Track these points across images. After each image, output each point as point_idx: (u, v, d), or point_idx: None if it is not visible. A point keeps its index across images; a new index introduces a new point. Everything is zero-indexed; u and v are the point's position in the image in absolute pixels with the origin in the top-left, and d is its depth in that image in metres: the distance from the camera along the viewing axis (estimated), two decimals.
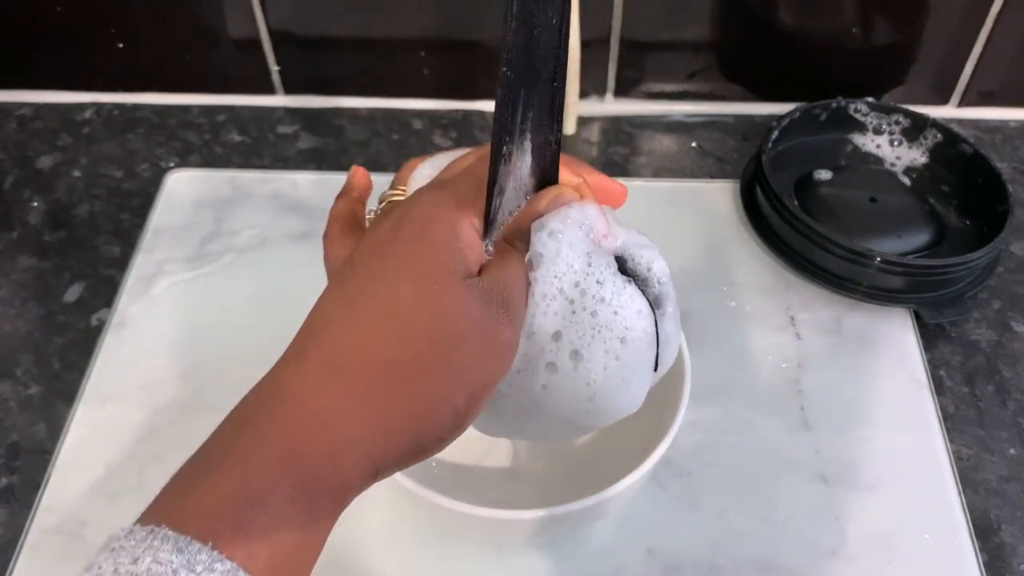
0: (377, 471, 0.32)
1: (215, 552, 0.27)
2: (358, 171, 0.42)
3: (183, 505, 0.29)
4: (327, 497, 0.31)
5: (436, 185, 0.36)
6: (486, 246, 0.35)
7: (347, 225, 0.39)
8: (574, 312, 0.34)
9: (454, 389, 0.32)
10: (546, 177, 0.36)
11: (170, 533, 0.27)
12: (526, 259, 0.35)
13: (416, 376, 0.31)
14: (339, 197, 0.41)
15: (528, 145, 0.35)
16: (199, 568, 0.26)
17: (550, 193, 0.36)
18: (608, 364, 0.34)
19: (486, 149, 0.35)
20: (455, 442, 0.49)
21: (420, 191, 0.36)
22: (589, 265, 0.34)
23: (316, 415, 0.31)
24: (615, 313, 0.34)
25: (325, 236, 0.39)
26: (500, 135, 0.33)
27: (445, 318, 0.32)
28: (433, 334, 0.32)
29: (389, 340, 0.31)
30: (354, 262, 0.34)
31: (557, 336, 0.34)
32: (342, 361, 0.31)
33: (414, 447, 0.32)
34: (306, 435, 0.30)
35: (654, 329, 0.35)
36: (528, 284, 0.34)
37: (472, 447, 0.49)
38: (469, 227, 0.34)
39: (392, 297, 0.32)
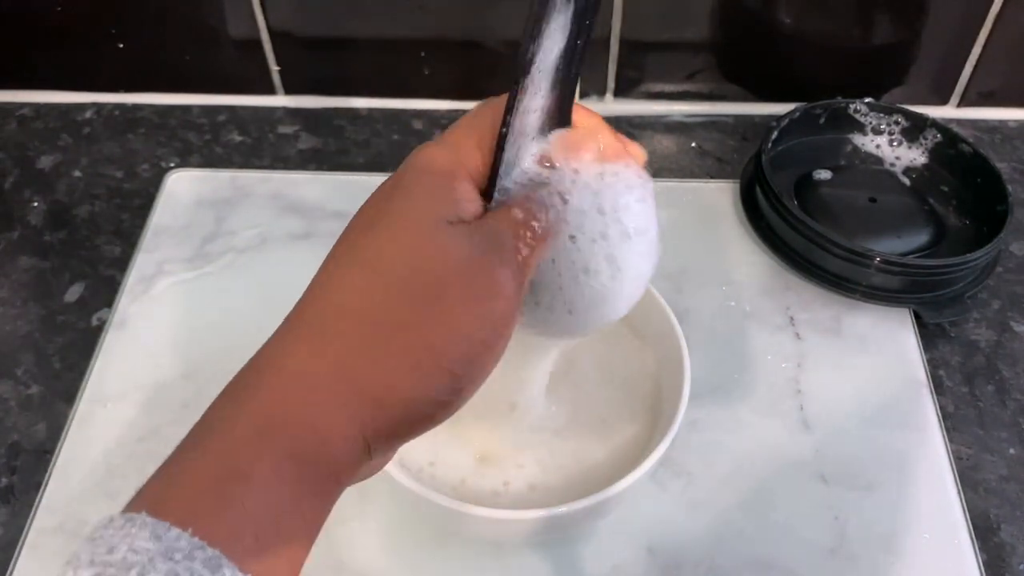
0: (368, 443, 0.29)
1: (195, 539, 0.25)
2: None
3: (164, 489, 0.27)
4: (317, 471, 0.28)
5: (439, 139, 0.34)
6: (491, 203, 0.33)
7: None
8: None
9: (444, 344, 0.29)
10: (560, 115, 0.34)
11: (148, 519, 0.25)
12: (540, 208, 0.33)
13: (396, 331, 0.29)
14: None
15: (544, 86, 0.33)
16: (178, 556, 0.25)
17: (565, 140, 0.35)
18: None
19: (495, 100, 0.33)
20: (454, 441, 0.50)
21: (423, 145, 0.33)
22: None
23: (294, 380, 0.29)
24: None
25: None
26: (515, 88, 0.31)
27: (423, 264, 0.29)
28: (410, 283, 0.29)
29: (367, 295, 0.29)
30: (351, 226, 0.32)
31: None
32: (320, 322, 0.30)
33: (408, 414, 0.30)
34: (285, 402, 0.28)
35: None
36: (534, 227, 0.33)
37: (471, 446, 0.49)
38: (466, 179, 0.32)
39: (373, 250, 0.30)
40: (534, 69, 0.31)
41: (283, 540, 0.28)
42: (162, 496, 0.27)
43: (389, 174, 0.32)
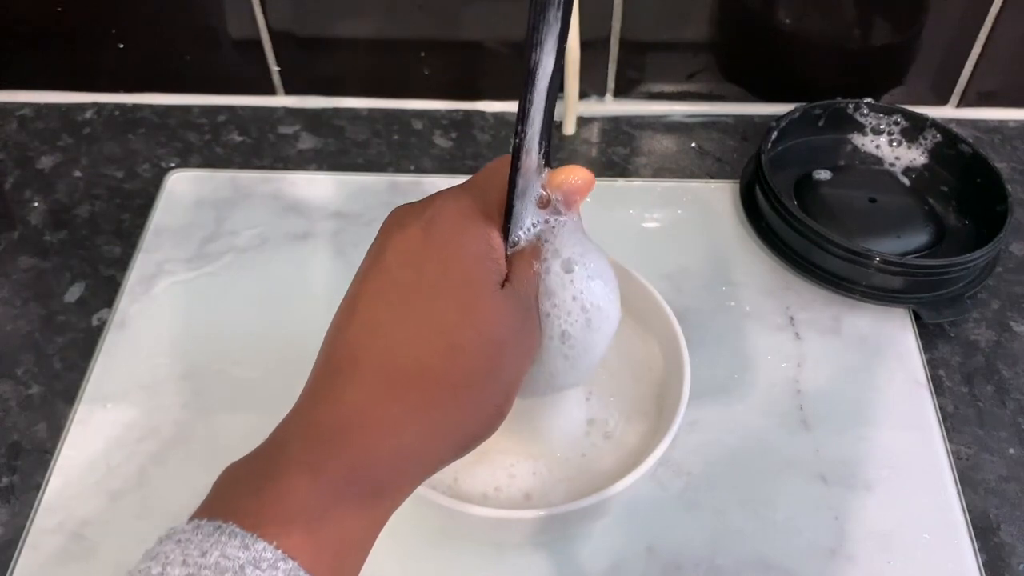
0: (432, 471, 0.34)
1: (279, 551, 0.28)
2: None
3: (250, 505, 0.30)
4: (388, 500, 0.33)
5: (462, 189, 0.37)
6: (507, 249, 0.37)
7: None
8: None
9: (497, 391, 0.35)
10: (542, 166, 0.38)
11: (237, 530, 0.28)
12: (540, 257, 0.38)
13: (466, 387, 0.34)
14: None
15: (536, 142, 0.36)
16: (264, 565, 0.28)
17: (561, 175, 0.38)
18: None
19: (495, 160, 0.37)
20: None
21: (445, 194, 0.37)
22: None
23: (380, 428, 0.32)
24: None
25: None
26: (520, 140, 0.35)
27: (488, 332, 0.34)
28: (479, 347, 0.34)
29: (440, 355, 0.33)
30: (388, 266, 0.35)
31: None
32: (399, 376, 0.33)
33: (464, 446, 0.35)
34: (372, 447, 0.32)
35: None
36: (538, 279, 0.37)
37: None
38: (498, 236, 0.36)
39: (438, 312, 0.34)
40: (538, 79, 0.34)
41: (353, 558, 0.32)
42: (247, 511, 0.30)
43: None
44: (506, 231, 0.37)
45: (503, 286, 0.36)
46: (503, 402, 0.35)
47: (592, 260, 0.39)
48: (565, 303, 0.38)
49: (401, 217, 0.37)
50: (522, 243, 0.38)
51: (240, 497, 0.31)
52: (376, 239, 0.37)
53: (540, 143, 0.37)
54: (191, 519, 0.30)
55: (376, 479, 0.32)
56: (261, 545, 0.28)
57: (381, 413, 0.32)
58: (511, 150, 0.35)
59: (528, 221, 0.38)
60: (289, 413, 0.34)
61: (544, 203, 0.38)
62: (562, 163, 0.39)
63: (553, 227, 0.38)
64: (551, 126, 0.38)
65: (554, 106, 0.37)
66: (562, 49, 0.34)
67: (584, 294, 0.38)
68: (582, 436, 0.49)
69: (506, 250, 0.37)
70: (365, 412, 0.32)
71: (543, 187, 0.38)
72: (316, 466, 0.31)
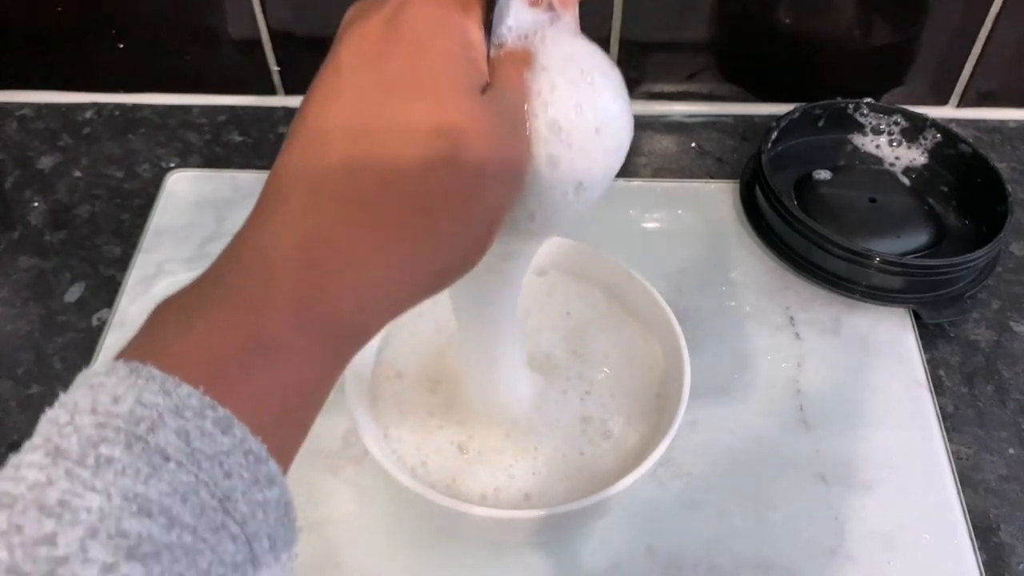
0: (401, 309, 0.30)
1: (206, 398, 0.24)
2: None
3: (178, 345, 0.25)
4: (349, 341, 0.28)
5: None
6: (489, 50, 0.31)
7: None
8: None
9: (478, 218, 0.30)
10: None
11: (156, 372, 0.24)
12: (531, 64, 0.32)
13: (440, 210, 0.29)
14: None
15: None
16: (188, 414, 0.24)
17: None
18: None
19: None
20: (452, 441, 0.50)
21: None
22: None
23: (335, 256, 0.27)
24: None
25: None
26: None
27: (466, 145, 0.29)
28: (453, 163, 0.28)
29: (407, 171, 0.28)
30: (342, 64, 0.30)
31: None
32: (357, 195, 0.28)
33: (438, 281, 0.30)
34: (326, 279, 0.27)
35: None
36: (528, 85, 0.32)
37: (470, 447, 0.49)
38: (477, 31, 0.31)
39: (403, 119, 0.28)
40: None
41: (302, 407, 0.27)
42: (172, 352, 0.25)
43: None
44: (488, 26, 0.31)
45: (484, 92, 0.30)
46: (485, 232, 0.30)
47: (594, 62, 0.33)
48: (564, 113, 0.32)
49: (362, 8, 0.31)
50: (508, 44, 0.32)
51: (166, 336, 0.26)
52: (335, 39, 0.32)
53: None
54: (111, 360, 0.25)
55: (332, 316, 0.27)
56: (185, 390, 0.24)
57: (336, 239, 0.27)
58: None
59: (513, 19, 0.32)
60: (229, 242, 0.29)
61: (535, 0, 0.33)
62: None
63: (544, 26, 0.33)
64: None
65: None
66: None
67: (587, 100, 0.32)
68: (578, 434, 0.49)
69: (488, 50, 0.31)
70: (317, 237, 0.27)
71: None
72: (257, 300, 0.26)
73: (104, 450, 0.23)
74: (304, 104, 0.30)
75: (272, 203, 0.29)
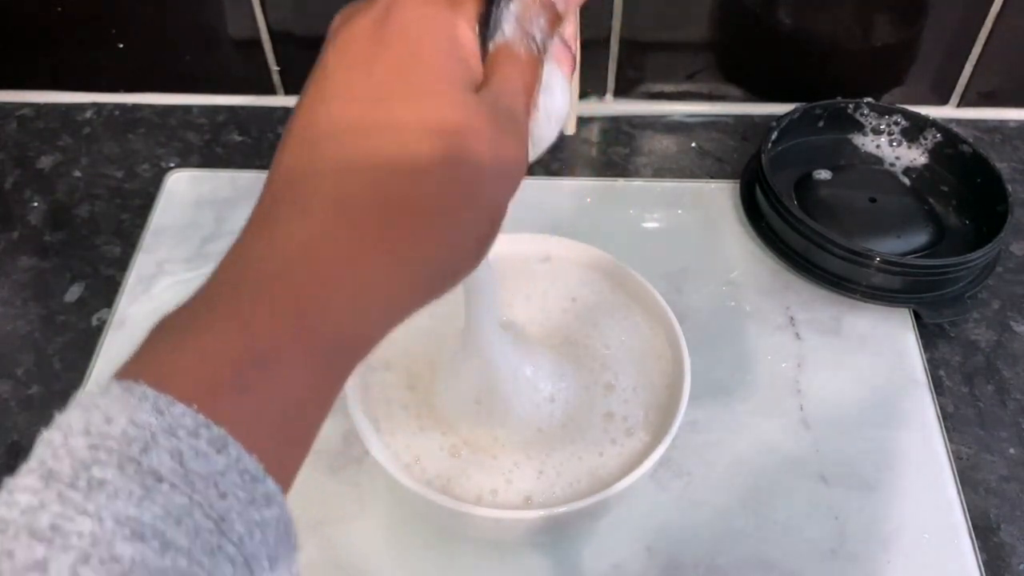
0: (403, 315, 0.29)
1: (200, 416, 0.23)
2: None
3: (170, 362, 0.25)
4: (349, 352, 0.28)
5: None
6: (487, 46, 0.31)
7: None
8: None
9: (477, 218, 0.29)
10: None
11: (149, 391, 0.23)
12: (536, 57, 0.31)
13: (438, 214, 0.28)
14: None
15: None
16: (182, 433, 0.23)
17: None
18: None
19: None
20: (451, 445, 0.50)
21: None
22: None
23: (331, 264, 0.27)
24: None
25: None
26: None
27: (460, 146, 0.28)
28: (449, 166, 0.28)
29: (403, 175, 0.28)
30: (331, 69, 0.29)
31: None
32: (352, 202, 0.27)
33: (441, 283, 0.30)
34: (323, 289, 0.27)
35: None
36: (533, 87, 0.32)
37: (470, 446, 0.49)
38: (467, 29, 0.30)
39: (394, 122, 0.28)
40: None
41: (301, 424, 0.26)
42: (165, 370, 0.25)
43: None
44: (483, 23, 0.31)
45: (479, 90, 0.30)
46: (487, 231, 0.30)
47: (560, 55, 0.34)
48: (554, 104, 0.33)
49: (349, 13, 0.31)
50: (505, 39, 0.31)
51: (158, 354, 0.25)
52: (324, 44, 0.31)
53: None
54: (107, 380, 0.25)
55: (330, 328, 0.26)
56: (179, 409, 0.23)
57: (332, 247, 0.27)
58: None
59: (512, 21, 0.31)
60: (225, 255, 0.28)
61: None
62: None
63: (542, 26, 0.32)
64: None
65: None
66: None
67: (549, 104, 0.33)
68: (597, 428, 0.49)
69: (484, 47, 0.31)
70: (311, 246, 0.27)
71: None
72: (250, 313, 0.26)
73: (96, 472, 0.22)
74: (295, 110, 0.30)
75: (265, 212, 0.28)
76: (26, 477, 0.23)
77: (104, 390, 0.24)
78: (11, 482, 0.23)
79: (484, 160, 0.28)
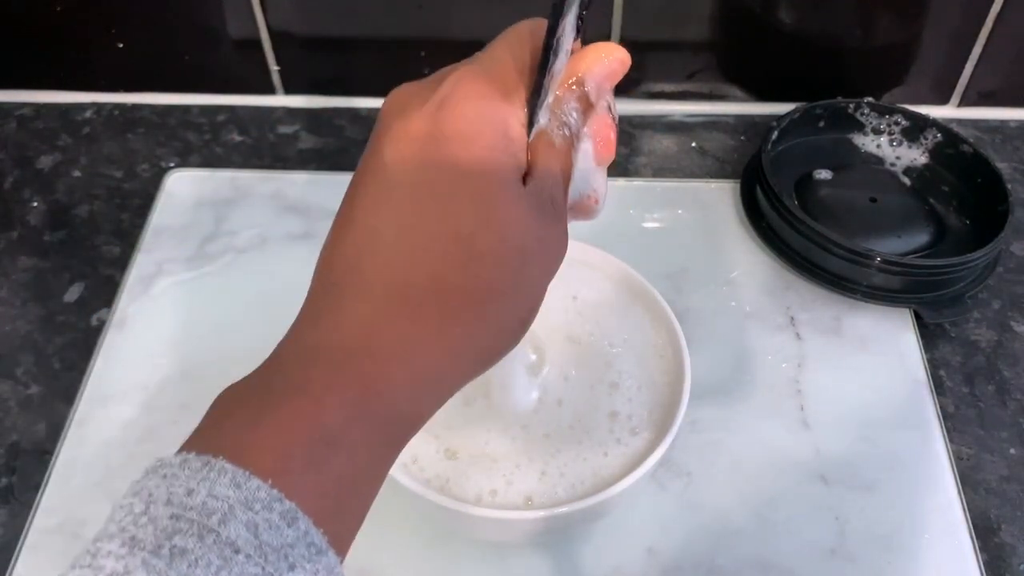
0: (450, 394, 0.31)
1: (274, 490, 0.25)
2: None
3: (246, 438, 0.26)
4: (405, 429, 0.30)
5: (478, 65, 0.33)
6: (529, 135, 0.32)
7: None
8: None
9: (521, 303, 0.31)
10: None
11: (228, 466, 0.25)
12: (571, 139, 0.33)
13: (488, 301, 0.30)
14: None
15: (572, 20, 0.33)
16: (257, 507, 0.25)
17: (589, 57, 0.34)
18: None
19: (521, 25, 0.34)
20: (450, 443, 0.50)
21: (458, 72, 0.32)
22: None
23: (392, 349, 0.29)
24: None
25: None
26: (555, 21, 0.31)
27: (511, 237, 0.30)
28: (500, 256, 0.30)
29: (457, 266, 0.30)
30: (388, 164, 0.31)
31: None
32: (411, 291, 0.29)
33: (487, 362, 0.32)
34: (384, 371, 0.29)
35: None
36: (569, 172, 0.34)
37: (470, 446, 0.49)
38: (518, 124, 0.32)
39: (451, 216, 0.30)
40: None
41: (360, 496, 0.29)
42: (242, 445, 0.26)
43: None
44: (531, 117, 0.32)
45: (525, 183, 0.32)
46: (527, 314, 0.32)
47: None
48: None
49: (403, 102, 0.32)
50: (543, 125, 0.33)
51: (234, 428, 0.27)
52: (375, 129, 0.32)
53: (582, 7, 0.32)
54: (180, 450, 0.27)
55: (390, 407, 0.29)
56: (255, 484, 0.25)
57: (393, 333, 0.29)
58: (548, 26, 0.31)
59: (546, 110, 0.33)
60: (285, 336, 0.30)
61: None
62: None
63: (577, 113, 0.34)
64: None
65: None
66: None
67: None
68: (603, 427, 0.49)
69: (528, 135, 0.32)
70: (374, 332, 0.29)
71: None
72: (320, 393, 0.27)
73: (178, 541, 0.24)
74: (350, 199, 0.32)
75: (328, 297, 0.30)
76: (109, 543, 0.24)
77: (183, 461, 0.26)
78: (93, 546, 0.24)
79: (531, 249, 0.31)
